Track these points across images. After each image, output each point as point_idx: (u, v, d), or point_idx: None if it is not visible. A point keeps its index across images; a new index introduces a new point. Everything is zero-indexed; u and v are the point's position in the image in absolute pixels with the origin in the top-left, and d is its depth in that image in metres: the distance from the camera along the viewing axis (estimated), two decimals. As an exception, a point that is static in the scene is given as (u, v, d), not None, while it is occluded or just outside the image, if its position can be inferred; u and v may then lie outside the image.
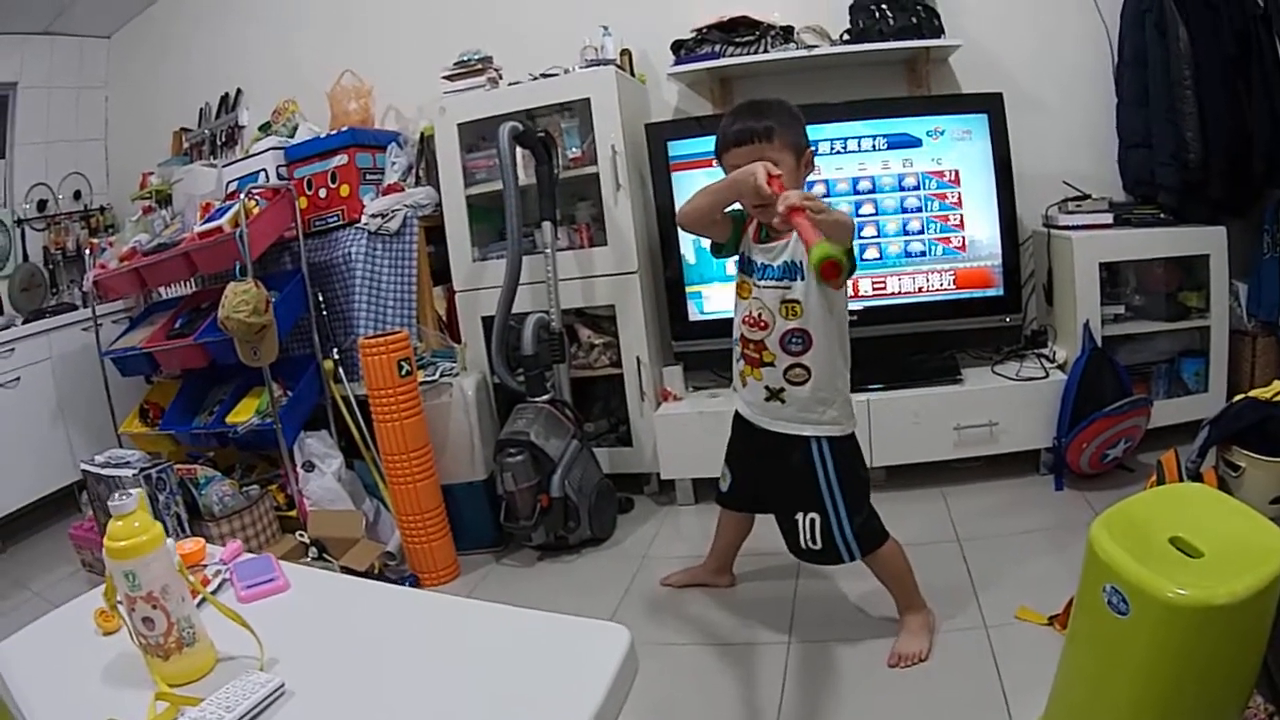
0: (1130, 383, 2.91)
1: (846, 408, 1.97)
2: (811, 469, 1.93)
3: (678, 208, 2.96)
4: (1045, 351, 3.07)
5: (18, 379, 3.76)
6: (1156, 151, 3.05)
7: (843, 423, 1.95)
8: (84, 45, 4.36)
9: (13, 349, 3.77)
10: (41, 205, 4.23)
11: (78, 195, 4.32)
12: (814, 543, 1.96)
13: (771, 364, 1.91)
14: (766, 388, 1.93)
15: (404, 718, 0.91)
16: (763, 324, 1.89)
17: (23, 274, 4.17)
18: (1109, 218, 3.07)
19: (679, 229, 2.24)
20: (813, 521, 1.94)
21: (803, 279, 1.84)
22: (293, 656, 1.02)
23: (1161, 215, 3.08)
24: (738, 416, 2.10)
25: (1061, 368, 2.97)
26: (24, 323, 3.96)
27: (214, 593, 1.21)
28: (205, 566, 1.31)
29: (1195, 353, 3.11)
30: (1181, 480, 2.08)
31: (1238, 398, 2.16)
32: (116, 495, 0.98)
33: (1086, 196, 3.12)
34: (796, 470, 1.94)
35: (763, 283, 1.90)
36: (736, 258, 1.99)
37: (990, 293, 2.99)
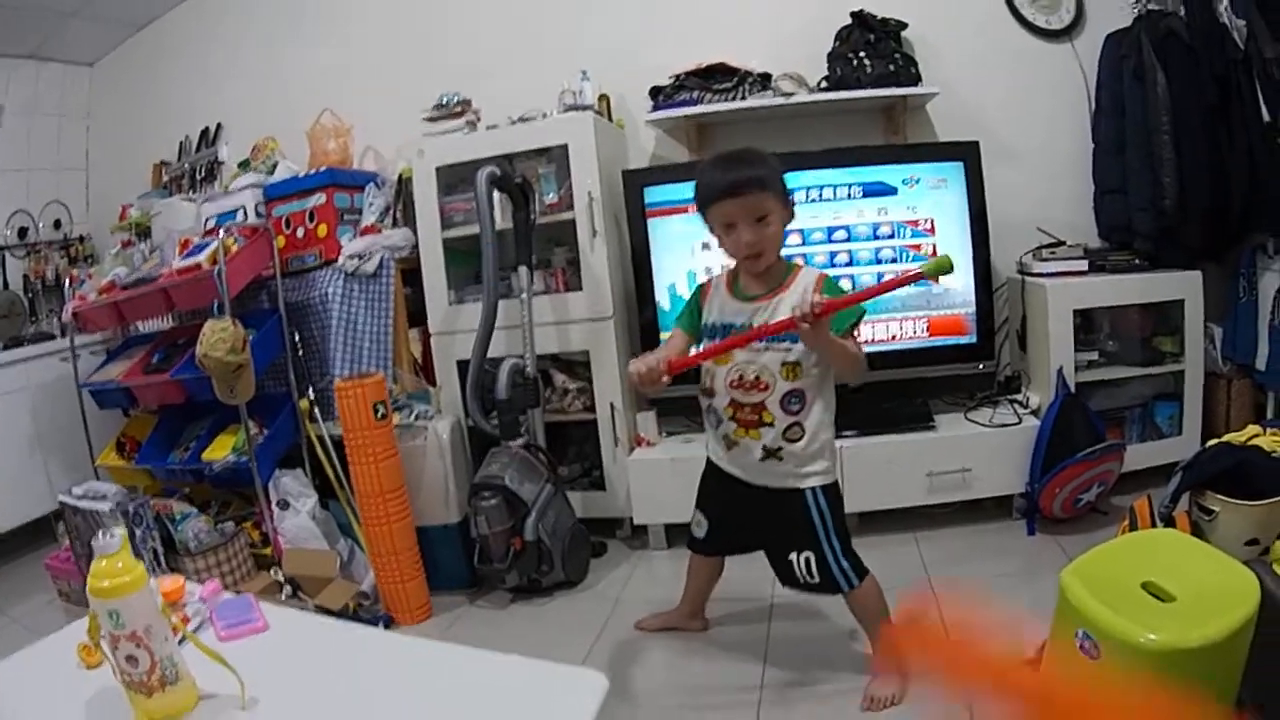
0: (1103, 428, 2.93)
1: (833, 458, 2.01)
2: (807, 515, 1.95)
3: (652, 253, 3.00)
4: (1018, 397, 3.09)
5: (-6, 408, 3.74)
6: (1132, 198, 3.08)
7: (831, 472, 1.99)
8: (67, 72, 4.36)
9: (-10, 379, 3.75)
10: (22, 233, 4.22)
11: (58, 224, 4.31)
12: (812, 578, 1.98)
13: (771, 424, 1.90)
14: (764, 448, 1.93)
15: None
16: (761, 386, 1.88)
17: (2, 302, 4.15)
18: (1083, 264, 3.09)
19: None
20: (808, 560, 1.97)
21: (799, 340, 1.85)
22: (272, 697, 1.05)
23: (1136, 261, 3.11)
24: (717, 469, 2.09)
25: (1035, 413, 2.99)
26: (2, 350, 3.94)
27: (194, 631, 1.23)
28: (185, 605, 1.34)
29: (1169, 397, 3.13)
30: (1154, 525, 2.10)
31: (1212, 442, 2.18)
32: (101, 535, 1.01)
33: (1061, 243, 3.15)
34: (790, 518, 1.97)
35: (758, 345, 1.88)
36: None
37: (964, 340, 3.01)
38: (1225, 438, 2.17)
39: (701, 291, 2.04)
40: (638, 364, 1.86)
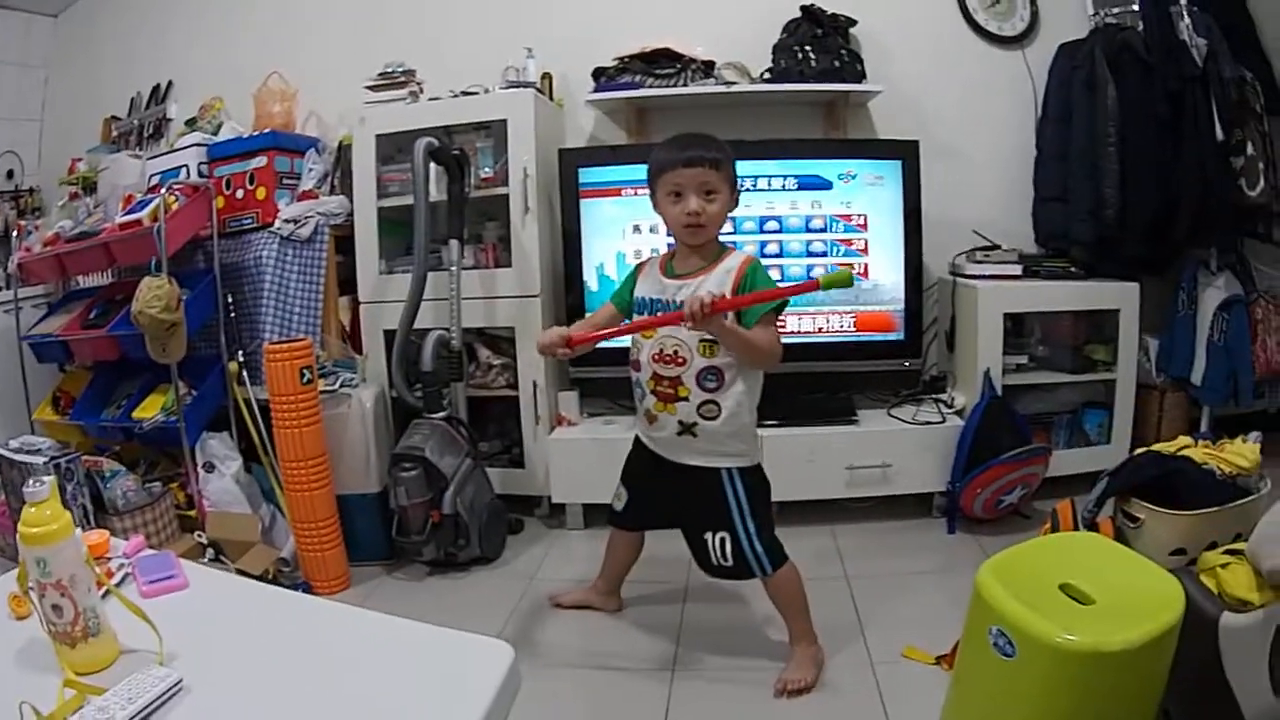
0: (1029, 431, 2.96)
1: (753, 442, 2.03)
2: (722, 495, 1.98)
3: (583, 234, 3.00)
4: (944, 397, 3.11)
5: (-64, 358, 3.71)
6: (1073, 206, 3.11)
7: (750, 455, 2.02)
8: (31, 22, 4.31)
9: (-68, 328, 3.72)
10: (-26, 182, 4.19)
11: (10, 174, 4.27)
12: (725, 560, 2.00)
13: (686, 399, 1.94)
14: (680, 422, 1.96)
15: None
16: (679, 360, 1.93)
17: (-51, 250, 4.13)
18: (1017, 269, 3.12)
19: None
20: (722, 540, 1.99)
21: (724, 318, 1.86)
22: (190, 652, 1.06)
23: (1072, 269, 3.13)
24: (640, 444, 2.15)
25: (959, 413, 3.01)
26: (-55, 298, 3.92)
27: (117, 585, 1.23)
28: (109, 559, 1.34)
29: (1099, 405, 3.17)
30: (1077, 529, 2.09)
31: (1139, 450, 2.18)
32: (31, 482, 1.01)
33: (996, 247, 3.17)
34: (706, 496, 2.00)
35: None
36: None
37: (891, 337, 3.03)
38: (1155, 447, 2.17)
39: (638, 269, 2.09)
40: (544, 335, 1.97)
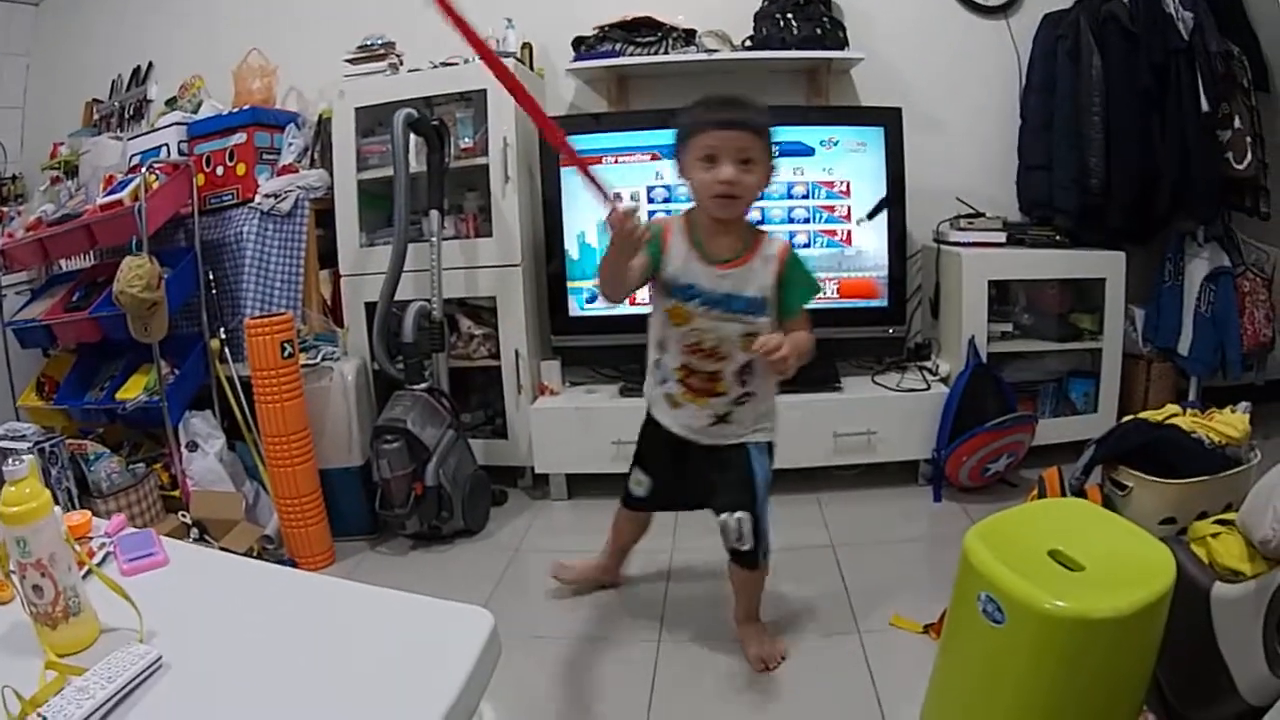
0: (1015, 399, 2.95)
1: (775, 418, 1.95)
2: (749, 472, 1.88)
3: (564, 202, 2.98)
4: (928, 364, 3.10)
5: (-83, 345, 3.70)
6: (1057, 174, 3.10)
7: (774, 429, 1.95)
8: (12, 10, 4.31)
9: (-87, 313, 3.70)
10: (-44, 170, 4.17)
11: (-8, 163, 4.27)
12: (742, 542, 1.88)
13: (723, 394, 1.84)
14: (714, 414, 1.86)
15: (269, 692, 0.94)
16: (719, 355, 1.79)
17: (-67, 239, 4.11)
18: (1002, 236, 3.11)
19: (604, 297, 1.86)
20: (740, 521, 1.87)
21: (767, 313, 1.77)
22: (170, 629, 1.06)
23: (1056, 238, 3.12)
24: (658, 426, 1.97)
25: (944, 381, 3.00)
26: (-73, 287, 3.90)
27: (99, 565, 1.23)
28: (91, 539, 1.34)
29: (1085, 374, 3.16)
30: (1064, 496, 2.09)
31: (1127, 418, 2.18)
32: (10, 460, 1.01)
33: (980, 215, 3.16)
34: (734, 474, 1.89)
35: (719, 313, 1.77)
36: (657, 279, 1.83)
37: (874, 303, 3.02)
38: (1142, 414, 2.16)
39: (664, 231, 1.81)
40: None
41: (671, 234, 1.81)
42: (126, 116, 3.74)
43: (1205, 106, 2.89)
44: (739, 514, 1.86)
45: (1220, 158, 2.95)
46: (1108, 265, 3.01)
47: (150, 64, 3.78)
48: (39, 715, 0.86)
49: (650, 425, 2.00)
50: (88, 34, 4.06)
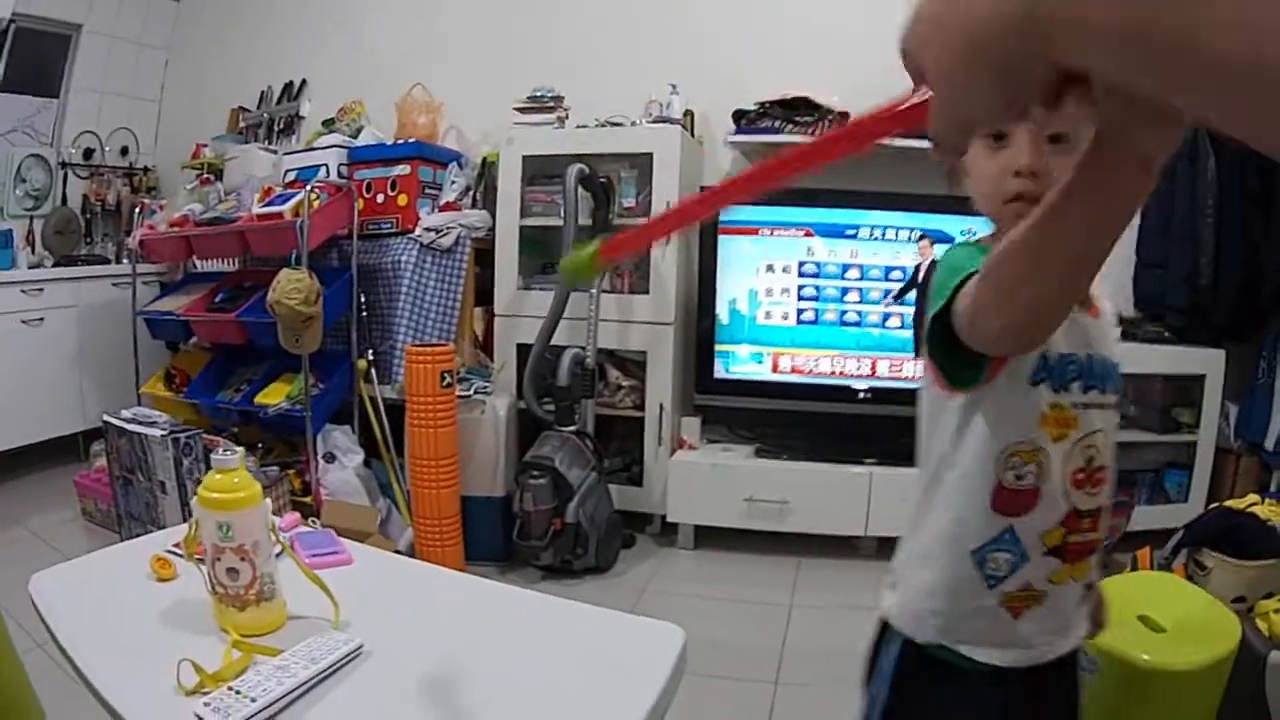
0: (1115, 486, 3.10)
1: None
2: (1078, 692, 1.11)
3: (719, 269, 3.12)
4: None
5: (42, 319, 3.83)
6: (1170, 274, 3.23)
7: None
8: (151, 3, 4.43)
9: (41, 289, 3.85)
10: (88, 154, 4.30)
11: (125, 151, 4.40)
12: None
13: (1101, 540, 1.02)
14: (1086, 585, 1.01)
15: (469, 692, 0.96)
16: (1099, 477, 0.98)
17: (59, 217, 4.24)
18: (1117, 331, 3.26)
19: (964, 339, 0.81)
20: None
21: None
22: (362, 622, 1.08)
23: (1165, 334, 3.27)
24: (977, 687, 0.98)
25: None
26: (53, 266, 4.04)
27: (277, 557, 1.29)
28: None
29: (1180, 465, 3.30)
30: (1153, 571, 2.29)
31: (1212, 505, 2.38)
32: (220, 450, 1.08)
33: (1097, 309, 3.30)
34: (1074, 694, 1.11)
35: (1104, 397, 0.99)
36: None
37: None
38: (1226, 503, 2.36)
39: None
40: None
41: None
42: (276, 129, 3.88)
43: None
44: None
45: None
46: (1209, 362, 3.16)
47: (304, 81, 3.92)
48: (231, 689, 0.90)
49: (949, 690, 0.99)
50: (231, 38, 4.20)
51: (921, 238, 3.09)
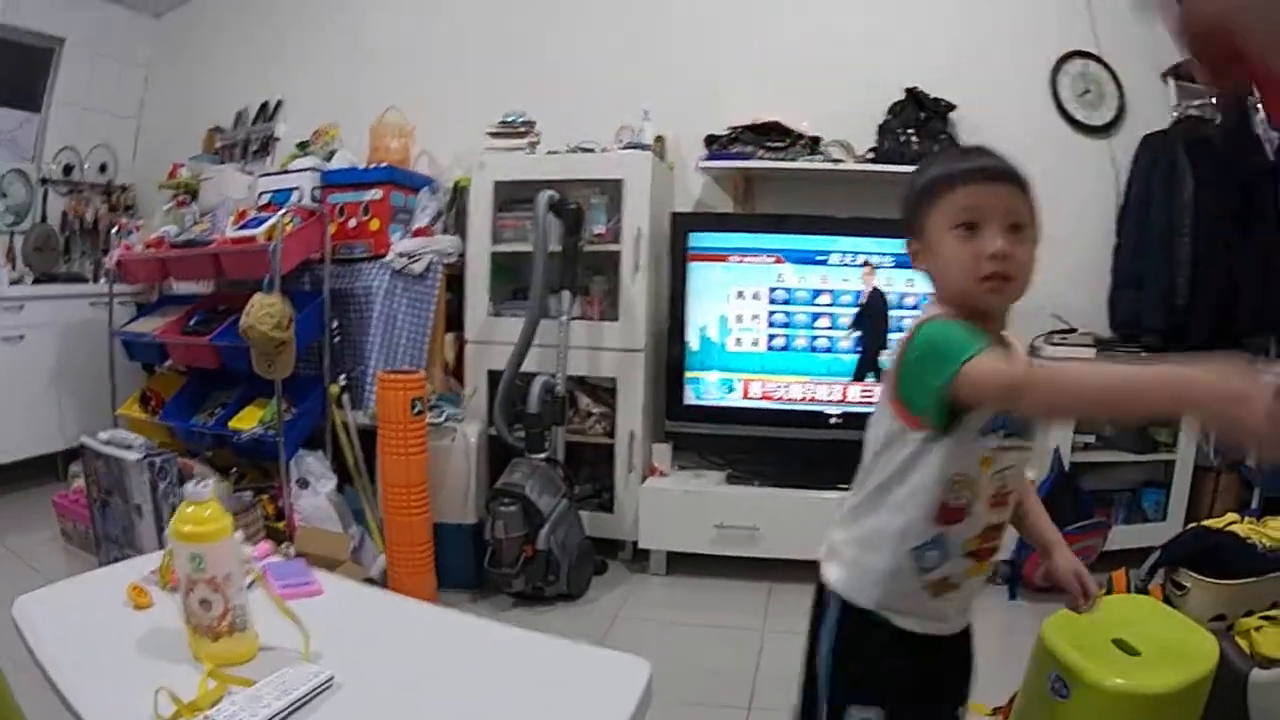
0: (1092, 506, 3.09)
1: None
2: (972, 659, 1.41)
3: (689, 296, 3.11)
4: (1013, 474, 3.23)
5: (22, 336, 3.83)
6: (1147, 294, 3.23)
7: None
8: (133, 20, 4.41)
9: (22, 305, 3.84)
10: (67, 170, 4.30)
11: (104, 168, 4.39)
12: None
13: (999, 547, 1.30)
14: (987, 578, 1.34)
15: None
16: (1006, 499, 1.25)
17: (39, 234, 4.23)
18: (1092, 352, 3.25)
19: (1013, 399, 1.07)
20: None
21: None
22: (332, 653, 1.09)
23: (1143, 355, 3.26)
24: (901, 636, 1.27)
25: (1028, 488, 3.14)
26: (33, 283, 4.03)
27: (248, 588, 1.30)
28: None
29: (1157, 484, 3.31)
30: (1130, 594, 2.27)
31: (1190, 525, 2.37)
32: (193, 483, 1.09)
33: (1073, 330, 3.30)
34: (970, 659, 1.38)
35: (1018, 440, 1.22)
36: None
37: (969, 414, 3.14)
38: (1204, 522, 2.35)
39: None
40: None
41: None
42: (251, 150, 3.87)
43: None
44: (963, 706, 1.42)
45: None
46: (1186, 381, 3.15)
47: (280, 101, 3.91)
48: (205, 718, 0.92)
49: (886, 648, 1.28)
50: (210, 56, 4.19)
51: (864, 264, 3.07)
